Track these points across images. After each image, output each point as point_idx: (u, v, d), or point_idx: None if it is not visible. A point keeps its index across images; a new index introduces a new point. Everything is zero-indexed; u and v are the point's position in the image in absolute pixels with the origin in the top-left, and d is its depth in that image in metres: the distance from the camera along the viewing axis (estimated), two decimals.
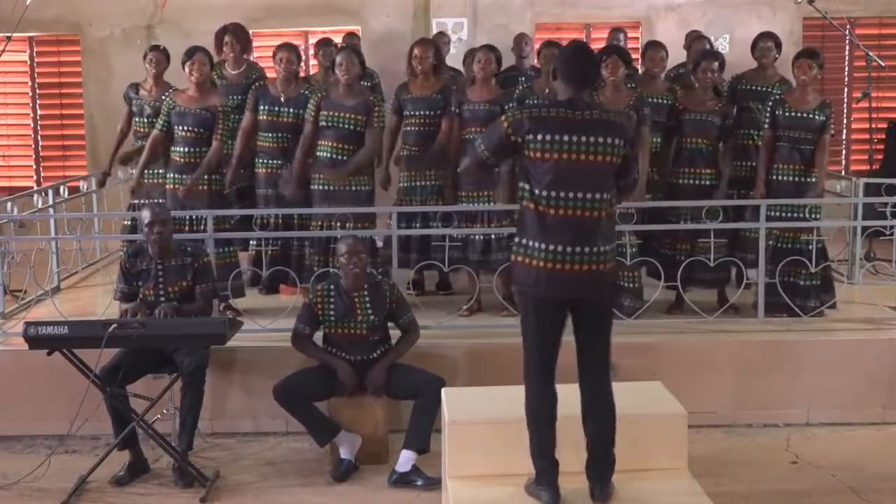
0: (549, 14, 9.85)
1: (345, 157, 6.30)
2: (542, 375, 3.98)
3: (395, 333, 5.58)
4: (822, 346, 5.96)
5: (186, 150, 6.35)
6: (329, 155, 6.31)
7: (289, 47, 6.77)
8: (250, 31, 8.61)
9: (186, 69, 6.41)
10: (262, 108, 6.66)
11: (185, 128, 6.34)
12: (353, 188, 6.34)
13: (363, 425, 5.33)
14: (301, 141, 6.42)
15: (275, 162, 6.74)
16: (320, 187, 6.36)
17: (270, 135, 6.70)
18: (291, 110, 6.58)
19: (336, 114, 6.27)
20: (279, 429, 5.82)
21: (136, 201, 6.83)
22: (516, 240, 3.96)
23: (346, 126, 6.28)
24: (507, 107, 6.40)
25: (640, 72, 7.07)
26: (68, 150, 10.28)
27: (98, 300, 6.92)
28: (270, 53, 9.24)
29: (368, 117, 6.31)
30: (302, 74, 7.39)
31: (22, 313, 6.40)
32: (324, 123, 6.30)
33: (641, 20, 9.82)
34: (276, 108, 6.63)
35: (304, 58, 9.65)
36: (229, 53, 7.22)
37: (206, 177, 6.34)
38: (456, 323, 6.21)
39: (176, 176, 6.36)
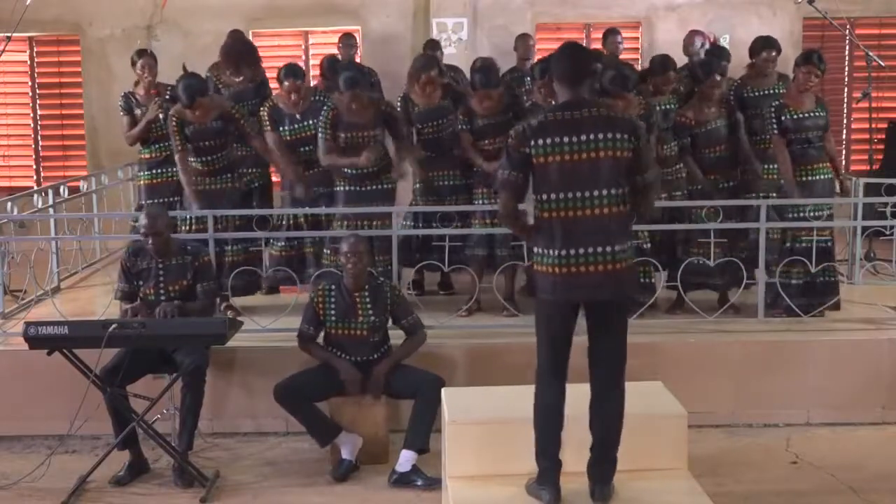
0: (549, 14, 9.84)
1: (369, 170, 6.29)
2: (554, 376, 3.98)
3: (395, 336, 5.58)
4: (822, 346, 5.96)
5: (210, 157, 6.41)
6: (353, 170, 6.31)
7: (293, 73, 6.58)
8: (250, 31, 8.63)
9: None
10: (281, 129, 6.60)
11: (206, 143, 6.37)
12: (380, 186, 6.35)
13: (363, 425, 5.34)
14: (324, 154, 6.32)
15: (306, 168, 6.73)
16: (345, 188, 6.36)
17: (297, 150, 6.64)
18: (311, 122, 6.50)
19: (354, 134, 6.23)
20: (279, 429, 5.82)
21: (146, 202, 6.86)
22: (534, 249, 4.00)
23: (365, 144, 6.26)
24: (516, 109, 6.42)
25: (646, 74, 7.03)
26: (68, 150, 10.28)
27: (98, 300, 6.91)
28: (271, 53, 9.35)
29: (392, 127, 6.33)
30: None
31: (22, 313, 6.40)
32: (343, 145, 6.27)
33: (641, 20, 9.82)
34: (296, 126, 6.57)
35: (305, 59, 9.70)
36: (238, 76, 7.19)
37: (229, 175, 6.44)
38: (456, 323, 6.21)
39: (199, 178, 6.41)
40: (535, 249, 3.98)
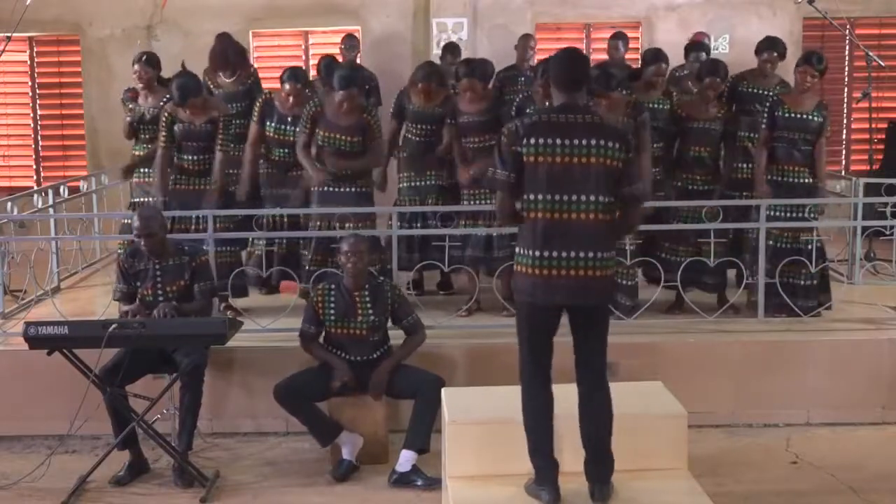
0: (549, 14, 9.84)
1: (344, 171, 6.31)
2: (536, 377, 4.00)
3: (395, 336, 5.58)
4: (822, 346, 5.96)
5: (195, 157, 6.41)
6: (328, 171, 6.33)
7: (295, 77, 6.60)
8: (250, 31, 8.64)
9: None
10: (268, 124, 6.62)
11: (192, 143, 6.40)
12: (354, 189, 6.34)
13: (363, 425, 5.34)
14: (300, 147, 6.34)
15: (280, 170, 6.74)
16: (320, 189, 6.36)
17: (277, 150, 6.68)
18: (296, 129, 6.51)
19: (332, 135, 6.23)
20: (279, 429, 5.82)
21: (136, 200, 6.85)
22: (516, 249, 4.00)
23: (343, 147, 6.25)
24: (502, 111, 6.42)
25: (639, 72, 7.03)
26: (68, 150, 10.29)
27: (98, 300, 6.92)
28: (270, 53, 9.35)
29: (365, 136, 6.28)
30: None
31: (22, 313, 6.40)
32: (320, 143, 6.29)
33: (641, 20, 9.82)
34: (283, 127, 6.58)
35: (305, 59, 9.71)
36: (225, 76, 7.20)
37: (211, 178, 6.41)
38: (456, 323, 6.21)
39: (183, 177, 6.42)
40: (518, 249, 3.99)
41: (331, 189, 6.33)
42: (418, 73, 6.86)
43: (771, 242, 6.19)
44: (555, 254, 3.86)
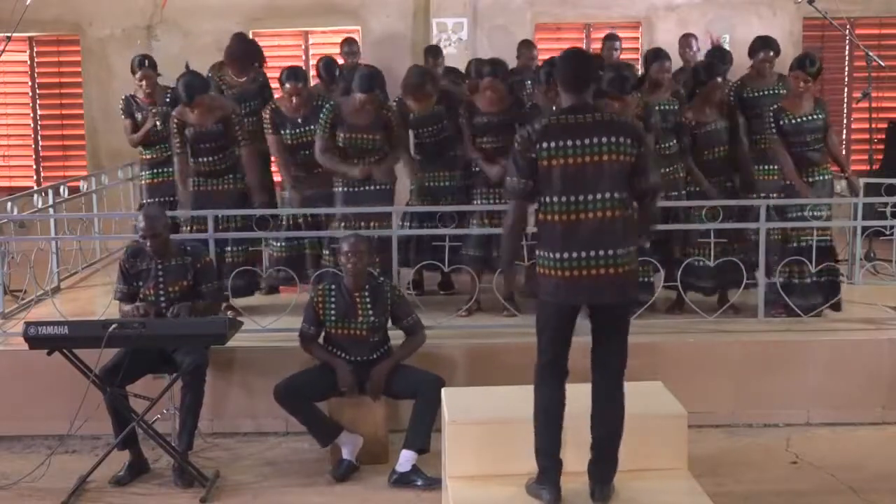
0: (549, 14, 9.84)
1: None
2: (554, 377, 4.00)
3: (395, 336, 5.58)
4: (822, 346, 5.96)
5: (210, 158, 6.42)
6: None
7: (294, 76, 6.56)
8: (250, 31, 8.65)
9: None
10: (282, 132, 6.60)
11: (206, 145, 6.39)
12: (377, 187, 6.35)
13: (363, 425, 5.34)
14: (320, 152, 6.32)
15: (306, 171, 6.71)
16: (343, 189, 6.37)
17: (297, 153, 6.65)
18: (312, 127, 6.48)
19: (354, 136, 6.25)
20: (279, 429, 5.82)
21: (147, 200, 6.87)
22: (537, 252, 4.01)
23: (365, 146, 6.29)
24: (520, 113, 6.39)
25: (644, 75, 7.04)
26: (68, 150, 10.28)
27: (98, 300, 6.91)
28: (271, 54, 9.33)
29: (388, 131, 6.34)
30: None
31: (22, 313, 6.40)
32: (342, 145, 6.29)
33: (641, 20, 9.82)
34: (298, 131, 6.55)
35: (305, 59, 9.71)
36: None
37: (230, 176, 6.44)
38: (456, 323, 6.21)
39: (201, 179, 6.44)
40: (538, 252, 3.99)
41: (356, 189, 6.33)
42: (411, 82, 6.79)
43: (790, 245, 6.18)
44: (575, 254, 3.87)
